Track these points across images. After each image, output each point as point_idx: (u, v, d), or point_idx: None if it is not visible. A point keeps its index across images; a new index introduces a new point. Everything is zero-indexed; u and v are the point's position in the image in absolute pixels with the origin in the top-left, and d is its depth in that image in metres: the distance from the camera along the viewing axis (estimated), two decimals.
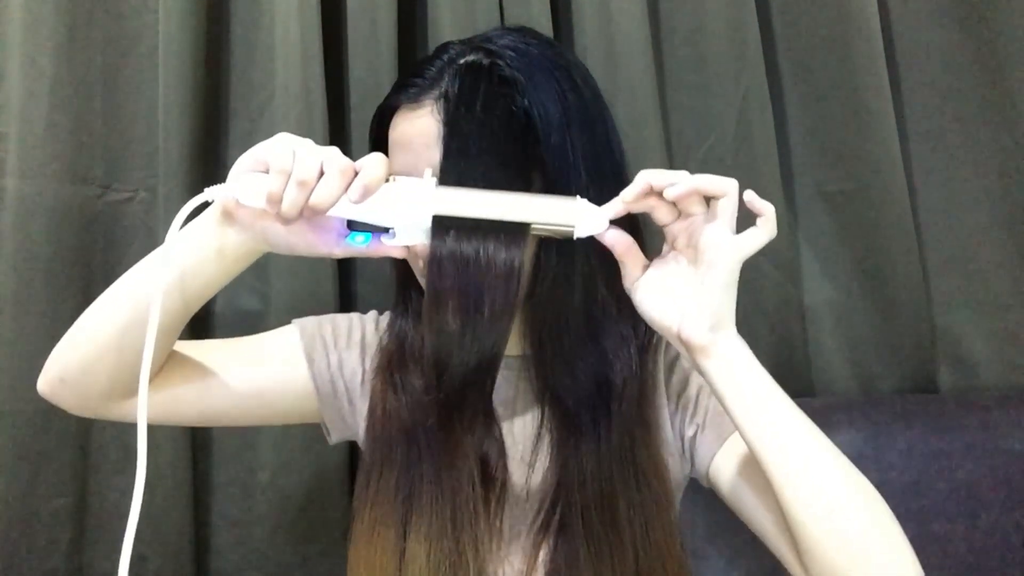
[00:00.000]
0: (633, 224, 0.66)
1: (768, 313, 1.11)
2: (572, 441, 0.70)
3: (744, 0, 1.08)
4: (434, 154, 0.66)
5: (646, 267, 0.64)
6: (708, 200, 0.61)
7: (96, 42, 1.01)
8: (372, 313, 0.83)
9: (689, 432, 0.74)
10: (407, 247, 0.64)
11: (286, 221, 0.60)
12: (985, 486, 0.96)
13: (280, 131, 1.00)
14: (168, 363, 0.72)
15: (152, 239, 1.03)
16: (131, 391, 0.65)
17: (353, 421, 0.79)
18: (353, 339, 0.78)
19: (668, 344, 0.76)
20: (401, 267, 0.76)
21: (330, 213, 0.60)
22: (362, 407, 0.77)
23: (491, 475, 0.71)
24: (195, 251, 0.65)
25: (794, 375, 1.12)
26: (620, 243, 0.62)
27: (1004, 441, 0.97)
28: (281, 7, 1.02)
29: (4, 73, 0.98)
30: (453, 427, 0.70)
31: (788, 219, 1.12)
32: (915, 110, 1.12)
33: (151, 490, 1.02)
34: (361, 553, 0.71)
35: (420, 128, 0.67)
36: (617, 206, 0.60)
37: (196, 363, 0.73)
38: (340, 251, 0.64)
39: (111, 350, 0.66)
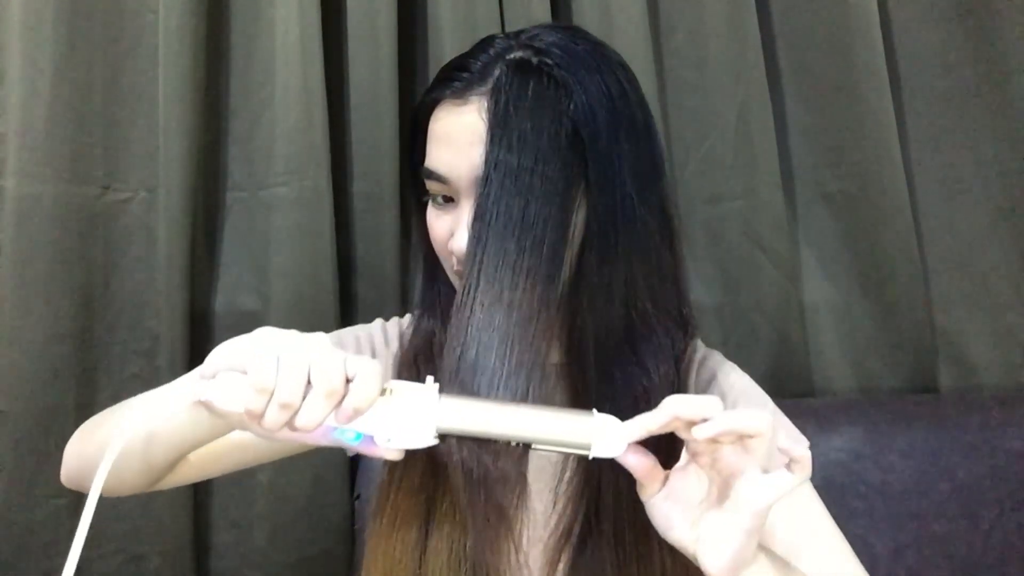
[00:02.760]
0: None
1: (768, 313, 1.11)
2: None
3: (744, 0, 1.08)
4: (477, 152, 0.64)
5: (665, 479, 0.59)
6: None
7: (96, 42, 1.01)
8: (377, 323, 0.81)
9: None
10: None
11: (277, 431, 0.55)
12: (985, 486, 0.95)
13: (280, 131, 1.03)
14: None
15: (152, 239, 1.03)
16: (151, 482, 0.71)
17: None
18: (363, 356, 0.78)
19: (701, 363, 0.75)
20: (429, 263, 0.75)
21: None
22: None
23: (514, 481, 0.70)
24: (170, 420, 0.63)
25: (794, 375, 1.12)
26: (640, 467, 0.57)
27: (1004, 441, 0.97)
28: (281, 7, 1.02)
29: (4, 73, 0.98)
30: None
31: (788, 219, 1.12)
32: (915, 110, 1.12)
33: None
34: (380, 547, 0.70)
35: (465, 124, 0.65)
36: (639, 431, 0.54)
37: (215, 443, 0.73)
38: (328, 443, 0.59)
39: (128, 472, 0.68)
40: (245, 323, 1.07)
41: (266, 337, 0.55)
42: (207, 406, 0.57)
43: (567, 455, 0.59)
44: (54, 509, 1.00)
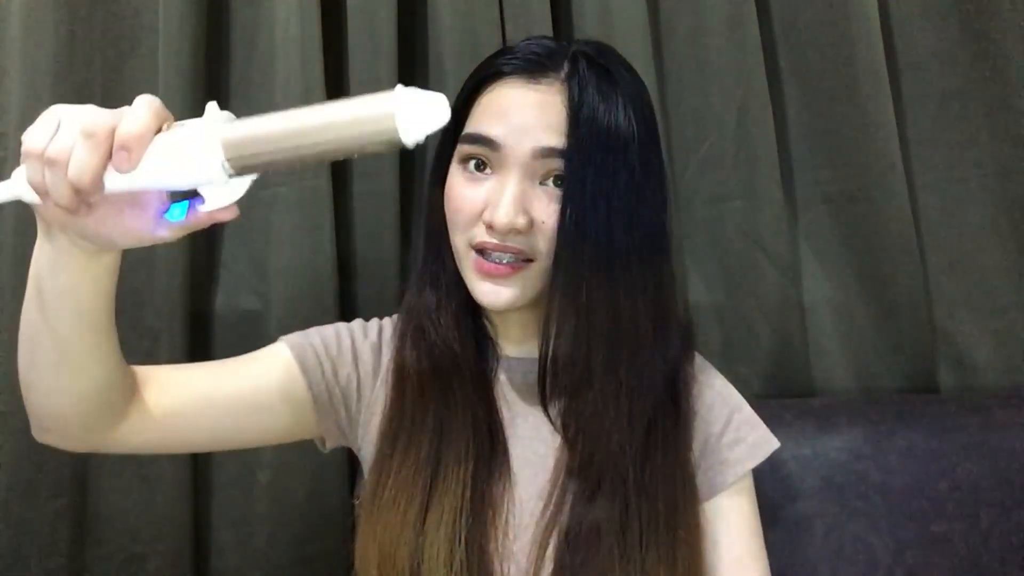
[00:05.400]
0: None
1: (768, 313, 1.11)
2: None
3: (744, 0, 1.08)
4: (542, 129, 0.66)
5: None
6: None
7: (96, 42, 1.01)
8: (357, 321, 0.82)
9: None
10: (231, 206, 0.52)
11: (70, 212, 0.51)
12: (985, 486, 0.95)
13: None
14: (154, 387, 0.70)
15: None
16: (107, 421, 0.66)
17: (349, 430, 0.79)
18: (343, 346, 0.78)
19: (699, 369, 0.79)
20: (436, 237, 0.75)
21: (111, 188, 0.50)
22: (357, 415, 0.78)
23: (508, 460, 0.73)
24: (40, 264, 0.59)
25: (794, 375, 1.12)
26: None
27: (1004, 441, 0.97)
28: (281, 7, 1.02)
29: (4, 73, 0.98)
30: (488, 409, 0.73)
31: (788, 219, 1.12)
32: (915, 110, 1.12)
33: (151, 490, 1.02)
34: (380, 521, 0.71)
35: (536, 101, 0.68)
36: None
37: (188, 384, 0.71)
38: (166, 232, 0.55)
39: (35, 378, 0.64)
40: (245, 323, 1.07)
41: (49, 110, 0.52)
42: (41, 216, 0.55)
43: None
44: (54, 509, 1.00)
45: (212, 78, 1.05)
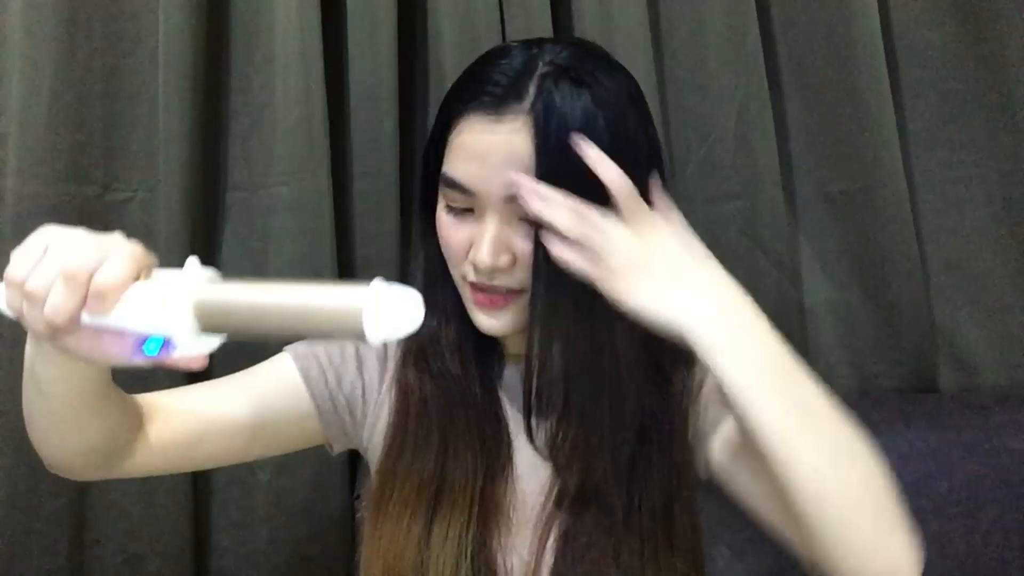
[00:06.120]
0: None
1: (768, 313, 1.10)
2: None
3: (744, 0, 1.08)
4: (512, 171, 0.63)
5: None
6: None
7: (96, 42, 1.01)
8: None
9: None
10: (199, 358, 0.53)
11: (50, 335, 0.52)
12: (985, 486, 0.96)
13: (280, 131, 1.03)
14: (158, 419, 0.69)
15: (152, 239, 1.03)
16: (114, 460, 0.67)
17: (355, 433, 0.79)
18: (347, 353, 0.78)
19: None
20: (433, 264, 0.75)
21: (86, 323, 0.51)
22: (363, 418, 0.78)
23: (512, 464, 0.73)
24: (30, 350, 0.60)
25: None
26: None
27: (1004, 441, 0.97)
28: (281, 7, 1.02)
29: (4, 73, 0.97)
30: (494, 421, 0.73)
31: (788, 219, 1.12)
32: (915, 110, 1.12)
33: (151, 490, 1.02)
34: (385, 535, 0.71)
35: (502, 142, 0.64)
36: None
37: (192, 414, 0.71)
38: (142, 361, 0.54)
39: (40, 435, 0.65)
40: None
41: (39, 234, 0.52)
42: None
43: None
44: (54, 509, 1.00)
45: (212, 78, 1.05)
